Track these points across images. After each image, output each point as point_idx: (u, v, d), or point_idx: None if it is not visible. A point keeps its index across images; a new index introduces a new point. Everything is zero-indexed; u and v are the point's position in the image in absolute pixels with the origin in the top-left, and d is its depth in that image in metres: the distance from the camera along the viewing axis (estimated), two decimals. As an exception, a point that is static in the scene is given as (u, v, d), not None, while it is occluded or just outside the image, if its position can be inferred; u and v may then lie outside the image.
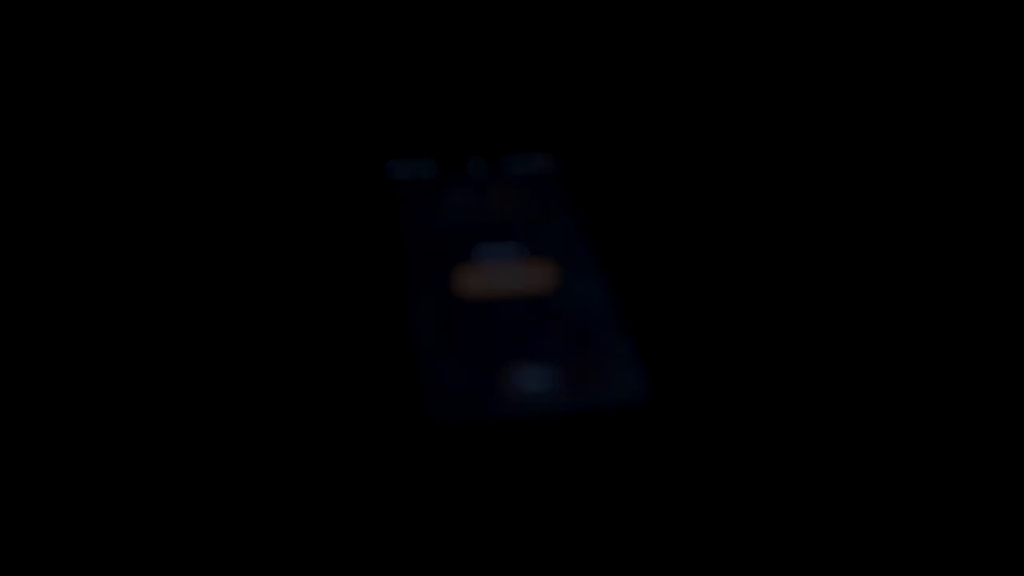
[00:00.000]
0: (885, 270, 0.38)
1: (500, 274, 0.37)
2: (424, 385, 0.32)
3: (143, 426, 0.31)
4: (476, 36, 0.49)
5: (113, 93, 0.43)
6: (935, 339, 0.35)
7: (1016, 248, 0.40)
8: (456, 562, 0.28)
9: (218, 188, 0.40)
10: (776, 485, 0.30)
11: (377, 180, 0.41)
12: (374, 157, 0.42)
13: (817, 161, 0.43)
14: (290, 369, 0.33)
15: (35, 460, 0.30)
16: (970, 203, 0.42)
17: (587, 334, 0.34)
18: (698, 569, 0.28)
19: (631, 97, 0.47)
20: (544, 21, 0.50)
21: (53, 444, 0.30)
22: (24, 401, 0.31)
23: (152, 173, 0.40)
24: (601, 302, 0.36)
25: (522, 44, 0.49)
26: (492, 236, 0.39)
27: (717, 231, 0.40)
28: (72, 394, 0.32)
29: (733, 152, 0.44)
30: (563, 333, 0.34)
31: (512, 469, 0.30)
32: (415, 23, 0.48)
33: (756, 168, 0.43)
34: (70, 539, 0.28)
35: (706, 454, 0.31)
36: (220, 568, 0.27)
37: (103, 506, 0.28)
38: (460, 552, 0.28)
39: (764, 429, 0.32)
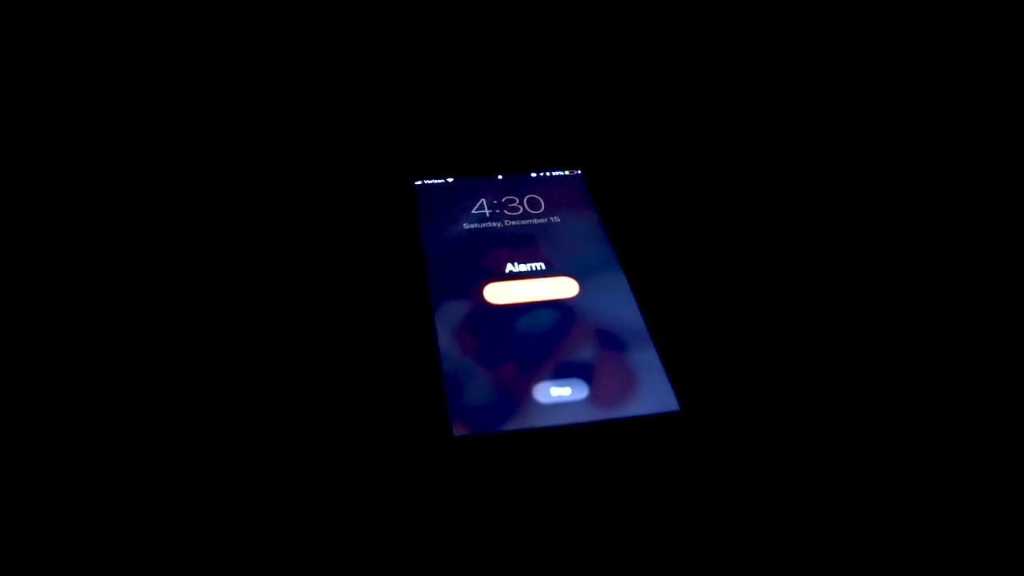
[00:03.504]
0: (903, 279, 0.39)
1: (525, 288, 0.37)
2: (450, 397, 0.32)
3: (164, 437, 0.31)
4: (503, 57, 0.49)
5: (173, 113, 0.45)
6: (954, 351, 0.36)
7: (1016, 248, 0.40)
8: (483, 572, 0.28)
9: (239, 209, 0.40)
10: (803, 501, 0.30)
11: (403, 188, 0.41)
12: (401, 169, 0.42)
13: (841, 179, 0.44)
14: (314, 379, 0.33)
15: (59, 457, 0.30)
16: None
17: (612, 345, 0.35)
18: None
19: (656, 112, 0.47)
20: (571, 41, 0.49)
21: (77, 444, 0.30)
22: (55, 398, 0.31)
23: (196, 181, 0.42)
24: (626, 314, 0.36)
25: (547, 64, 0.49)
26: (517, 249, 0.39)
27: (742, 245, 0.40)
28: (104, 405, 0.32)
29: (757, 170, 0.44)
30: (588, 344, 0.34)
31: (537, 479, 0.30)
32: (451, 46, 0.49)
33: (778, 186, 0.43)
34: (90, 539, 0.28)
35: (734, 463, 0.31)
36: (240, 573, 0.27)
37: (117, 518, 0.29)
38: (490, 562, 0.28)
39: (786, 438, 0.32)
